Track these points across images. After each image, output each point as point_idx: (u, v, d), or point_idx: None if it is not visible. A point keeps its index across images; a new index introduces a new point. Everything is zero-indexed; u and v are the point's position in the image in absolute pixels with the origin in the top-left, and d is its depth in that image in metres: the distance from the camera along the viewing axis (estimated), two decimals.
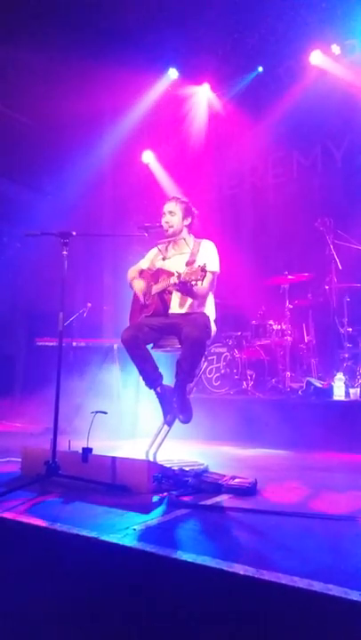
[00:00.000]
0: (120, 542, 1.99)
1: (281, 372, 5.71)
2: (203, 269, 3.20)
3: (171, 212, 3.76)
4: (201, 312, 3.64)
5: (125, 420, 5.40)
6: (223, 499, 2.69)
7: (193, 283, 3.25)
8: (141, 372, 3.58)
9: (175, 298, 3.67)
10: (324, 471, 3.57)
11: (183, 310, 3.65)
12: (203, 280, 3.23)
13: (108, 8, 6.34)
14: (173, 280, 3.41)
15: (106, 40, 6.69)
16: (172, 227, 3.75)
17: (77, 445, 3.09)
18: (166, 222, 3.75)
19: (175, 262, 3.73)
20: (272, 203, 7.54)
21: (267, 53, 7.09)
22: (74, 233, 3.14)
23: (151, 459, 3.42)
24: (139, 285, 3.79)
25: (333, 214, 5.79)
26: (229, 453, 4.23)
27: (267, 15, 6.69)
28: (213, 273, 3.63)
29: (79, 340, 6.19)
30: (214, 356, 5.99)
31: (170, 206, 3.78)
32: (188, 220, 3.79)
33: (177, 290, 3.50)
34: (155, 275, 3.76)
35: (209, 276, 3.51)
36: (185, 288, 3.38)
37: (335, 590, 1.53)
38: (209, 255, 3.62)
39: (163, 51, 7.19)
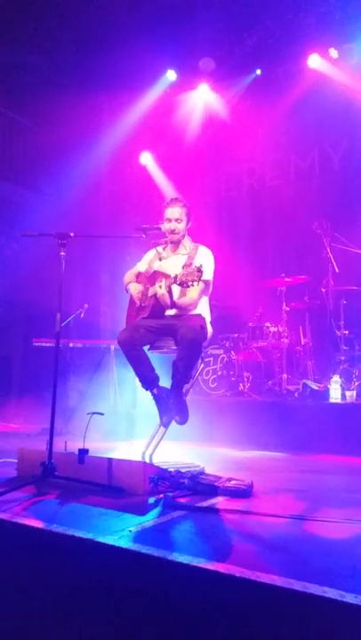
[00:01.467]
0: (116, 544, 1.99)
1: (277, 374, 5.72)
2: (199, 270, 3.21)
3: (178, 220, 3.73)
4: (197, 314, 3.65)
5: (122, 422, 5.41)
6: (219, 500, 2.69)
7: (190, 283, 3.26)
8: (138, 374, 3.58)
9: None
10: (320, 473, 3.58)
11: (179, 312, 3.65)
12: (199, 281, 3.24)
13: (108, 10, 6.34)
14: (160, 292, 3.43)
15: (105, 41, 6.69)
16: (177, 234, 3.75)
17: (74, 446, 3.09)
18: (172, 230, 3.72)
19: (172, 263, 3.73)
20: (269, 205, 7.55)
21: (265, 56, 7.10)
22: (71, 234, 3.14)
23: (147, 460, 3.42)
24: (134, 288, 3.79)
25: (331, 217, 5.81)
26: (226, 455, 4.24)
27: (265, 18, 6.71)
28: (206, 282, 3.62)
29: (76, 340, 6.19)
30: (211, 358, 6.00)
31: (176, 212, 3.73)
32: (190, 224, 3.81)
33: (161, 302, 3.51)
34: (151, 277, 3.76)
35: (200, 285, 3.51)
36: (171, 299, 3.42)
37: (331, 593, 1.53)
38: (205, 262, 3.62)
39: (161, 53, 7.20)
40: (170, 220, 3.74)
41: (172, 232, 3.73)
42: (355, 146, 6.79)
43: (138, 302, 3.75)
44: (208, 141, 7.90)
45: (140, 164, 8.36)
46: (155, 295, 3.60)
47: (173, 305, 3.53)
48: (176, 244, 3.82)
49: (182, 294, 3.57)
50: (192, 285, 3.29)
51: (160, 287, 3.45)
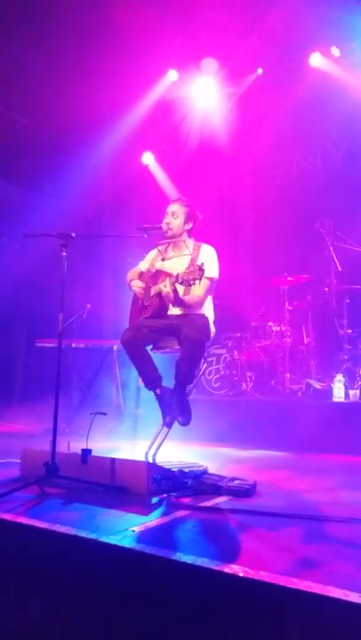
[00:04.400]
0: (119, 544, 1.99)
1: (280, 373, 5.71)
2: (200, 268, 3.20)
3: (173, 214, 3.73)
4: (200, 313, 3.64)
5: (125, 422, 5.41)
6: (222, 500, 2.69)
7: (192, 282, 3.24)
8: (141, 374, 3.58)
9: None
10: (324, 473, 3.57)
11: (182, 311, 3.64)
12: (201, 279, 3.22)
13: (108, 9, 6.34)
14: (165, 290, 3.42)
15: (106, 41, 6.69)
16: (171, 229, 3.73)
17: (77, 447, 3.09)
18: (167, 223, 3.72)
19: (174, 264, 3.72)
20: (272, 204, 7.54)
21: (266, 55, 7.10)
22: (73, 234, 3.14)
23: (150, 460, 3.42)
24: (137, 285, 3.79)
25: (333, 216, 5.79)
26: (229, 455, 4.23)
27: (266, 17, 6.70)
28: (211, 279, 3.61)
29: (79, 341, 6.19)
30: (214, 358, 5.99)
31: (174, 207, 3.74)
32: (190, 225, 3.76)
33: (168, 301, 3.50)
34: (154, 276, 3.75)
35: (206, 282, 3.50)
36: (176, 296, 3.40)
37: (335, 592, 1.53)
38: (209, 260, 3.61)
39: (163, 52, 7.19)
40: (166, 214, 3.74)
41: (166, 225, 3.72)
42: (357, 144, 6.77)
43: (141, 298, 3.74)
44: (210, 141, 7.89)
45: (142, 163, 8.36)
46: (157, 294, 3.60)
47: (180, 303, 3.51)
48: (177, 244, 3.81)
49: (186, 293, 3.54)
50: (194, 284, 3.28)
51: (165, 286, 3.44)
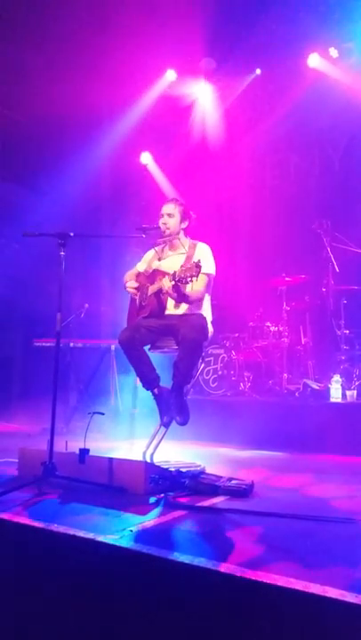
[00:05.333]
0: (117, 543, 1.99)
1: (278, 373, 5.71)
2: (197, 265, 3.22)
3: (169, 215, 3.77)
4: (198, 313, 3.65)
5: (122, 422, 5.41)
6: (220, 500, 2.70)
7: (189, 279, 3.26)
8: (139, 374, 3.59)
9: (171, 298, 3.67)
10: (321, 473, 3.58)
11: (180, 311, 3.65)
12: (197, 276, 3.24)
13: (107, 9, 6.34)
14: (167, 285, 3.42)
15: (105, 41, 6.69)
16: (169, 229, 3.77)
17: (74, 446, 3.09)
18: (164, 224, 3.76)
19: (171, 262, 3.74)
20: (269, 205, 7.54)
21: (265, 56, 7.10)
22: (71, 234, 3.15)
23: (148, 460, 3.42)
24: (131, 286, 3.81)
25: (331, 216, 5.80)
26: (226, 455, 4.24)
27: (265, 17, 6.70)
28: (209, 275, 3.65)
29: (77, 340, 6.19)
30: (211, 358, 5.99)
31: (168, 208, 3.79)
32: (186, 223, 3.81)
33: (170, 296, 3.51)
34: (151, 276, 3.77)
35: (204, 278, 3.54)
36: (178, 292, 3.40)
37: (332, 592, 1.54)
38: (204, 257, 3.63)
39: (161, 52, 7.19)
40: (162, 215, 3.79)
41: (164, 225, 3.76)
42: (355, 145, 6.78)
43: (138, 300, 3.76)
44: (208, 141, 7.89)
45: (141, 163, 8.35)
46: (155, 294, 3.61)
47: (182, 298, 3.52)
48: (173, 243, 3.83)
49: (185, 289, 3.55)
50: (191, 281, 3.29)
51: (165, 283, 3.45)
